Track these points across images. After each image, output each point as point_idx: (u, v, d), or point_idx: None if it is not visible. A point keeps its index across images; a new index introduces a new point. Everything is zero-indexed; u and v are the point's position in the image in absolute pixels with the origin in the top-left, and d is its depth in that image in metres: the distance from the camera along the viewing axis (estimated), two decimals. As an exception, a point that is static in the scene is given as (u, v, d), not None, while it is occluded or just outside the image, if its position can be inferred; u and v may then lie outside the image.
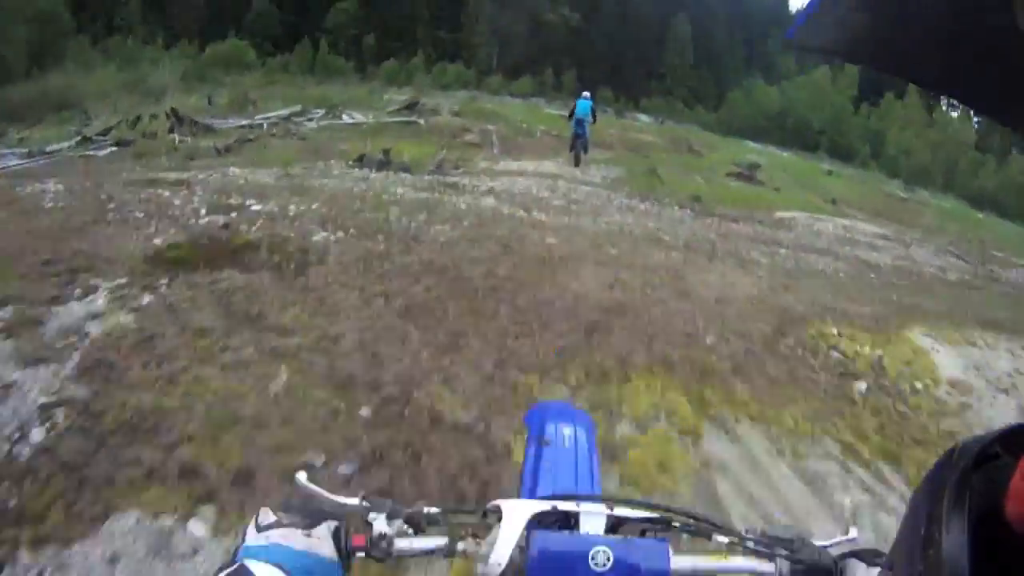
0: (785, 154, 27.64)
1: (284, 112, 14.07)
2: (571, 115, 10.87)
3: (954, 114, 34.73)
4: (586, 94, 11.11)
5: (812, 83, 37.51)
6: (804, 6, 0.42)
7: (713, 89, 40.98)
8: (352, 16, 39.16)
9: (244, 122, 12.39)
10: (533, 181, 8.97)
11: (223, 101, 16.40)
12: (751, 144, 30.56)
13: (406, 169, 8.44)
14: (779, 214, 9.90)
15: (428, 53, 38.17)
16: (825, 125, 34.70)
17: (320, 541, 0.62)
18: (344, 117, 14.45)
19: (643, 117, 35.47)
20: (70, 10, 26.66)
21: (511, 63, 39.89)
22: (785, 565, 0.66)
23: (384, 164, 8.49)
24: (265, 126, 12.12)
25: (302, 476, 0.71)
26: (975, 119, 32.11)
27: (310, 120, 13.63)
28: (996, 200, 28.56)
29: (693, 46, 42.38)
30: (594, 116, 10.78)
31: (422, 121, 14.39)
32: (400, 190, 6.71)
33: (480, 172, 9.48)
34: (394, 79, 34.01)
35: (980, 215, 21.01)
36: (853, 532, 0.73)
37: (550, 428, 1.16)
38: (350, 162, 8.68)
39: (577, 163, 10.89)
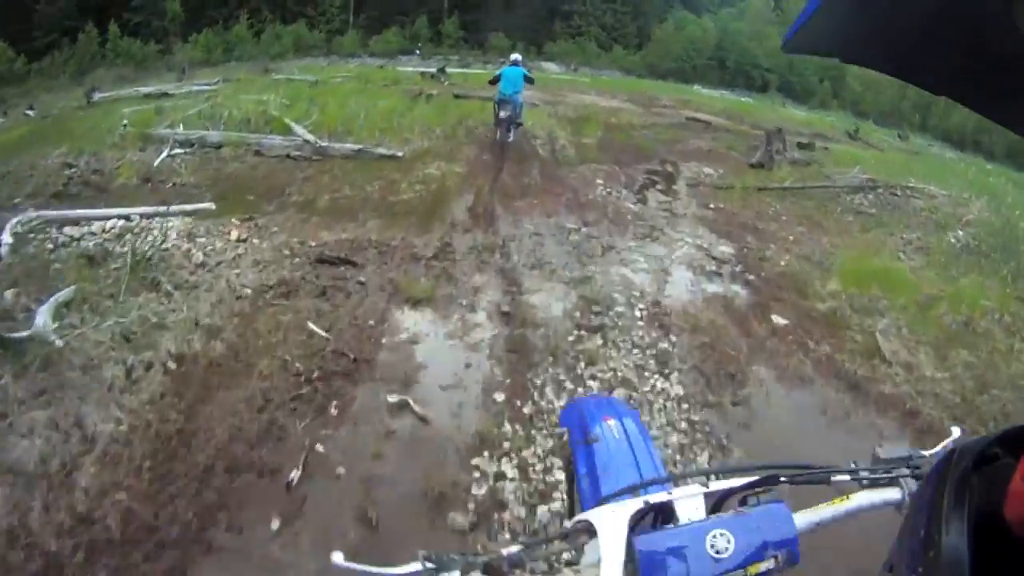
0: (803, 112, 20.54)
1: None
2: (494, 81, 8.08)
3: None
4: (516, 58, 8.31)
5: (751, 12, 30.84)
6: (797, 15, 0.42)
7: (631, 26, 33.30)
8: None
9: None
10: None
11: None
12: (702, 90, 23.80)
13: None
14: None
15: (256, 16, 27.78)
16: (772, 62, 28.24)
17: None
18: None
19: (550, 66, 27.60)
20: None
21: (374, 15, 30.27)
22: (911, 483, 0.61)
23: None
24: None
25: (338, 556, 0.58)
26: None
27: None
28: (978, 141, 23.49)
29: (601, -26, 34.11)
30: (529, 82, 8.18)
31: None
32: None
33: None
34: (209, 56, 24.12)
35: None
36: (956, 431, 0.70)
37: (593, 425, 1.06)
38: None
39: (503, 148, 8.08)
